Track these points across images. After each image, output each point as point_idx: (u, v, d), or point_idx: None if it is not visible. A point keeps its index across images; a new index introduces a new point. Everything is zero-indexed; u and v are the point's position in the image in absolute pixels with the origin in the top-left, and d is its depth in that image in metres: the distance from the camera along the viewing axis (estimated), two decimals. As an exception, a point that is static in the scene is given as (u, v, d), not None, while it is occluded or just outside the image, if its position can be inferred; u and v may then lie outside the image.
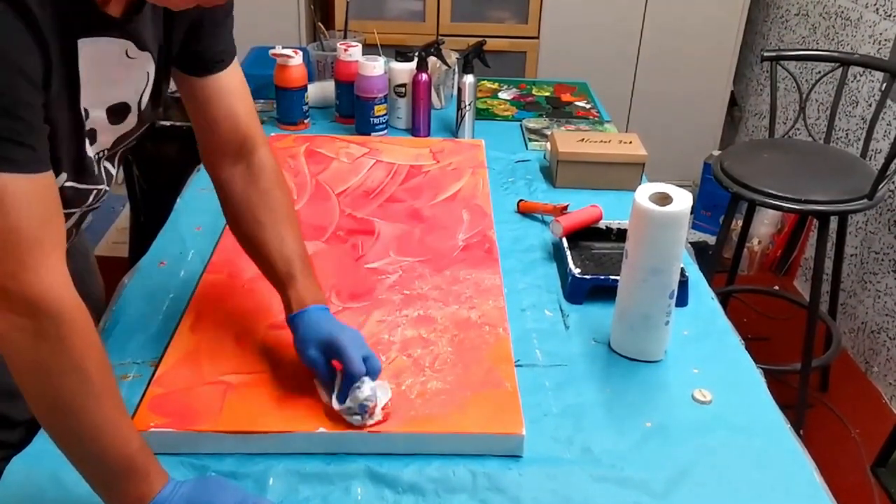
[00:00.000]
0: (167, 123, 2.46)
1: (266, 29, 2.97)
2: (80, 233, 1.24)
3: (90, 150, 0.95)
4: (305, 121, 1.89)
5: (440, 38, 2.01)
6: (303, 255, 1.07)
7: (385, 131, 1.87)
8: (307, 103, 1.88)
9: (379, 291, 1.24)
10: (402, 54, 1.86)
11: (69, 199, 0.94)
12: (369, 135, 1.84)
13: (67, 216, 0.98)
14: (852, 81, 2.51)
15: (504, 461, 0.97)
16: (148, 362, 1.10)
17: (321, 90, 1.99)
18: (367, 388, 0.95)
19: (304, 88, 1.85)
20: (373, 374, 0.97)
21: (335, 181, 1.59)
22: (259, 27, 2.96)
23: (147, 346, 1.13)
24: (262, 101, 2.03)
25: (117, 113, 0.97)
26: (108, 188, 1.03)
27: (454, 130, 1.88)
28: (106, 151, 1.01)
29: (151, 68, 0.99)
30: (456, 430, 0.97)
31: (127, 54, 0.93)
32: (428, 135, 1.87)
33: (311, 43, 2.29)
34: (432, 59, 1.89)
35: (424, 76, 1.82)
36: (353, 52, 1.85)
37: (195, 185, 1.60)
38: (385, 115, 1.85)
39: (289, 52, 1.80)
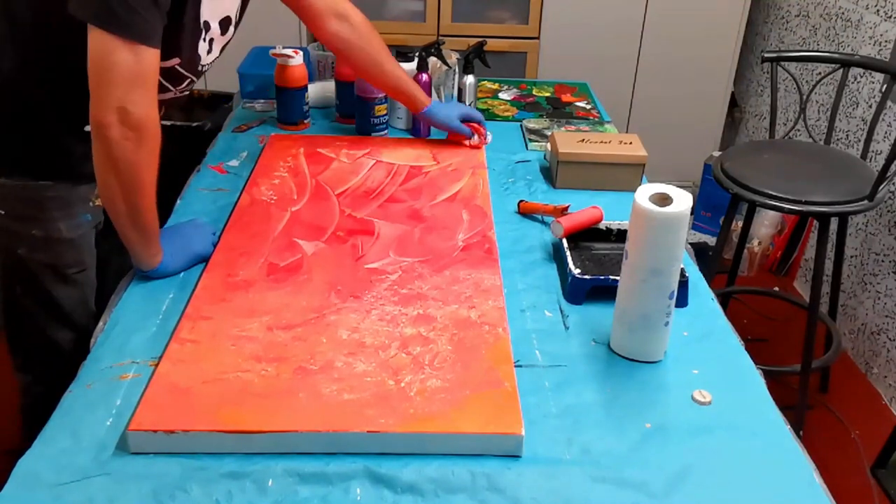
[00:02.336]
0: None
1: (266, 29, 2.97)
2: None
3: (204, 55, 1.30)
4: (306, 121, 1.89)
5: (440, 38, 2.01)
6: (408, 76, 1.70)
7: (385, 131, 1.87)
8: (308, 103, 1.88)
9: (379, 291, 1.24)
10: (402, 54, 1.86)
11: (172, 77, 1.27)
12: (370, 135, 1.84)
13: (166, 90, 1.29)
14: (853, 83, 2.51)
15: (503, 461, 0.97)
16: (148, 362, 1.10)
17: (322, 90, 1.99)
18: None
19: (305, 88, 1.85)
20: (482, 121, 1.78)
21: (335, 181, 1.59)
22: (259, 27, 2.95)
23: (147, 346, 1.13)
24: (262, 100, 2.03)
25: (224, 25, 1.32)
26: (196, 81, 1.36)
27: (454, 131, 1.88)
28: (216, 58, 1.36)
29: None
30: (455, 430, 0.97)
31: None
32: (428, 135, 1.87)
33: (311, 43, 2.29)
34: (433, 60, 1.89)
35: (425, 76, 1.82)
36: (353, 52, 1.85)
37: (195, 185, 1.60)
38: (385, 115, 1.85)
39: (289, 51, 1.80)
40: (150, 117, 1.13)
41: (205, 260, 1.31)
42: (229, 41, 1.37)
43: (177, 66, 1.26)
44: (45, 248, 1.29)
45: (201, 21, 1.25)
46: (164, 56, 1.16)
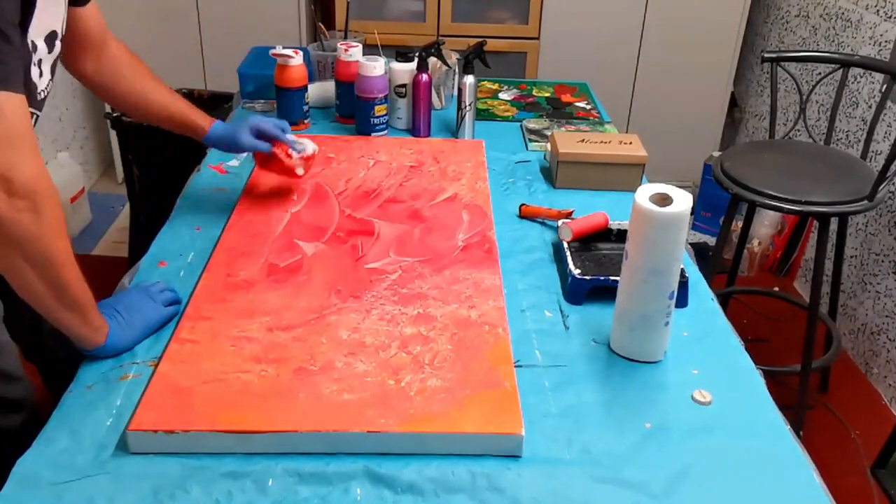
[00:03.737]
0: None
1: (266, 29, 2.98)
2: None
3: (38, 80, 1.09)
4: (306, 121, 1.89)
5: (440, 38, 2.01)
6: (186, 103, 1.43)
7: (385, 132, 1.87)
8: (307, 103, 1.88)
9: (379, 291, 1.24)
10: (402, 55, 1.86)
11: None
12: (369, 135, 1.84)
13: None
14: (852, 83, 2.51)
15: (503, 461, 0.97)
16: (148, 362, 1.10)
17: (321, 90, 1.99)
18: (305, 141, 1.48)
19: (305, 88, 1.85)
20: (286, 131, 1.46)
21: (335, 181, 1.59)
22: (259, 27, 2.97)
23: (147, 346, 1.13)
24: (262, 101, 2.03)
25: (50, 40, 1.10)
26: (39, 113, 1.15)
27: (454, 131, 1.88)
28: (50, 82, 1.14)
29: None
30: (455, 430, 0.97)
31: None
32: (428, 135, 1.87)
33: (311, 43, 2.29)
34: (433, 60, 1.89)
35: (425, 76, 1.82)
36: (353, 52, 1.85)
37: (195, 185, 1.60)
38: (385, 115, 1.85)
39: (289, 52, 1.80)
40: (38, 177, 0.93)
41: (160, 327, 1.16)
42: (57, 58, 1.16)
43: None
44: None
45: (28, 42, 1.03)
46: None
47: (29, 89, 1.05)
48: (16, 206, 0.91)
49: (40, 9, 1.02)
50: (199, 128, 1.42)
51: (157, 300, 1.17)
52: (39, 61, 1.09)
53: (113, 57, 1.35)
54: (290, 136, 1.45)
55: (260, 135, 1.43)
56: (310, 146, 1.46)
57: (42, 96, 1.13)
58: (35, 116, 1.10)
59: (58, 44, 1.13)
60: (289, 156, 1.43)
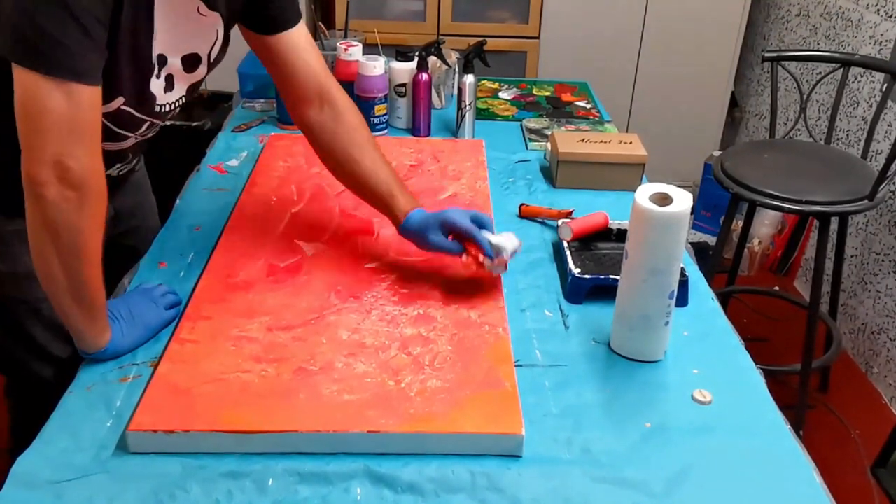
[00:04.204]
0: (167, 123, 2.46)
1: (266, 29, 2.98)
2: (141, 168, 1.48)
3: (161, 93, 1.13)
4: (306, 121, 1.88)
5: (440, 37, 2.01)
6: (394, 175, 1.28)
7: (385, 131, 1.87)
8: (307, 103, 1.88)
9: (379, 291, 1.24)
10: (402, 54, 1.86)
11: (124, 122, 1.12)
12: (369, 135, 1.83)
13: (123, 138, 1.17)
14: (853, 82, 2.51)
15: (503, 461, 0.96)
16: (148, 362, 1.10)
17: (321, 90, 1.99)
18: (503, 240, 1.21)
19: (305, 88, 1.85)
20: (485, 225, 1.22)
21: (335, 181, 1.59)
22: (259, 27, 2.96)
23: (147, 346, 1.13)
24: (262, 100, 2.03)
25: (191, 63, 1.15)
26: (161, 124, 1.21)
27: (454, 130, 1.88)
28: (183, 99, 1.20)
29: (221, 27, 1.17)
30: (455, 430, 0.97)
31: (198, 11, 1.11)
32: (428, 135, 1.87)
33: (311, 43, 2.29)
34: (433, 59, 1.89)
35: (425, 76, 1.82)
36: (353, 51, 1.85)
37: (195, 185, 1.60)
38: (385, 114, 1.85)
39: (289, 51, 1.80)
40: (93, 171, 0.96)
41: (160, 330, 1.16)
42: (201, 81, 1.22)
43: (124, 107, 1.10)
44: (13, 283, 1.18)
45: (154, 55, 1.08)
46: (104, 97, 1.00)
47: (144, 99, 1.11)
48: (64, 194, 0.93)
49: (169, 26, 1.06)
50: (395, 216, 1.26)
51: (158, 304, 1.16)
52: (170, 76, 1.13)
53: (338, 110, 1.27)
54: (487, 235, 1.22)
55: (452, 231, 1.22)
56: (509, 245, 1.21)
57: (164, 109, 1.16)
58: (148, 123, 1.16)
59: (202, 68, 1.19)
60: (479, 262, 1.21)
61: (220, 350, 1.09)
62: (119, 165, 1.28)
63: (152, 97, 1.12)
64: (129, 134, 1.17)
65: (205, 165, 1.69)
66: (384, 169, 1.27)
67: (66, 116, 0.92)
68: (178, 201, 1.54)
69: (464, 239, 1.22)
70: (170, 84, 1.14)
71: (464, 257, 1.21)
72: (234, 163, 1.70)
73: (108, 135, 1.09)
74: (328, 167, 1.32)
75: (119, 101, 1.08)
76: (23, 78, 0.91)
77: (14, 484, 0.91)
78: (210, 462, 0.94)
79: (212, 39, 1.16)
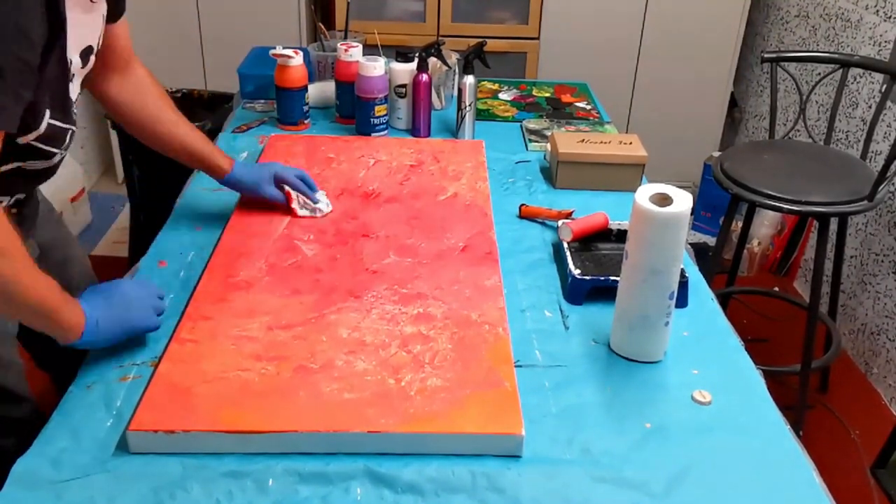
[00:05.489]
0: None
1: (266, 29, 2.98)
2: (45, 202, 1.36)
3: (73, 93, 1.08)
4: (306, 121, 1.89)
5: (441, 38, 2.01)
6: (205, 139, 1.39)
7: (385, 132, 1.87)
8: (307, 103, 1.88)
9: (379, 291, 1.24)
10: (402, 55, 1.86)
11: (52, 137, 1.06)
12: (370, 135, 1.84)
13: (51, 155, 1.10)
14: (852, 83, 2.51)
15: (503, 461, 0.97)
16: (148, 362, 1.10)
17: (321, 90, 1.99)
18: (320, 197, 1.48)
19: (305, 89, 1.85)
20: (308, 182, 1.46)
21: (335, 182, 1.59)
22: (259, 27, 2.97)
23: (147, 346, 1.13)
24: (262, 101, 2.03)
25: (85, 56, 1.10)
26: (75, 129, 1.14)
27: (454, 131, 1.88)
28: (78, 95, 1.13)
29: (104, 10, 1.14)
30: (455, 430, 0.97)
31: (91, 0, 1.06)
32: (428, 135, 1.87)
33: (311, 43, 2.29)
34: (433, 60, 1.89)
35: (425, 77, 1.82)
36: (353, 52, 1.86)
37: (195, 185, 1.60)
38: (385, 115, 1.85)
39: (289, 52, 1.81)
40: None
41: (146, 332, 1.12)
42: (89, 73, 1.15)
43: (51, 121, 1.04)
44: None
45: (68, 60, 1.04)
46: (34, 126, 0.99)
47: (65, 106, 1.06)
48: None
49: (74, 24, 1.01)
50: (219, 167, 1.40)
51: (151, 306, 1.11)
52: (72, 76, 1.08)
53: (138, 79, 1.32)
54: (311, 192, 1.47)
55: (280, 184, 1.45)
56: (324, 206, 1.47)
57: (74, 110, 1.11)
58: (70, 132, 1.11)
59: (92, 59, 1.13)
60: (293, 208, 1.45)
61: (221, 349, 1.09)
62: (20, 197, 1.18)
63: (70, 102, 1.08)
64: (56, 150, 1.10)
65: (205, 166, 1.69)
66: (196, 131, 1.37)
67: None
68: (178, 201, 1.54)
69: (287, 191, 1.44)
70: (73, 81, 1.09)
71: (293, 205, 1.44)
72: (234, 163, 1.70)
73: (39, 154, 1.07)
74: (143, 135, 1.34)
75: (46, 116, 1.02)
76: None
77: (14, 484, 0.91)
78: (210, 462, 0.94)
79: (99, 28, 1.13)
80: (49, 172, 1.16)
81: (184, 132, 1.35)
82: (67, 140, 1.11)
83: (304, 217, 1.44)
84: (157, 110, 1.33)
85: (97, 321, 1.04)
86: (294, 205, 1.44)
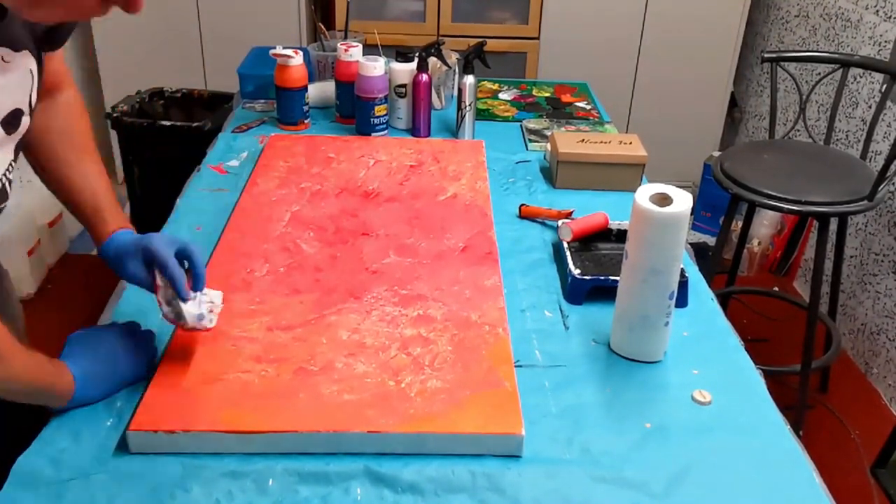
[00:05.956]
0: (167, 123, 2.46)
1: (266, 29, 2.98)
2: None
3: None
4: (306, 121, 1.89)
5: (441, 38, 2.01)
6: (109, 191, 1.10)
7: (385, 132, 1.87)
8: (307, 103, 1.88)
9: (379, 292, 1.24)
10: (402, 55, 1.86)
11: None
12: (370, 135, 1.84)
13: None
14: (852, 83, 2.51)
15: (503, 461, 0.97)
16: (148, 362, 1.10)
17: (321, 90, 1.99)
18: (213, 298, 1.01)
19: (305, 88, 1.85)
20: (191, 260, 1.02)
21: (335, 181, 1.59)
22: (259, 27, 2.97)
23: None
24: (262, 101, 2.03)
25: (12, 122, 0.94)
26: (5, 203, 0.99)
27: (454, 131, 1.88)
28: (12, 165, 0.98)
29: (34, 65, 0.96)
30: (455, 430, 0.97)
31: (2, 59, 0.89)
32: (428, 135, 1.87)
33: (311, 43, 2.29)
34: (433, 60, 1.89)
35: (425, 76, 1.82)
36: (353, 52, 1.85)
37: (195, 185, 1.60)
38: (385, 115, 1.85)
39: (289, 52, 1.81)
40: None
41: (138, 382, 1.04)
42: (27, 132, 0.98)
43: None
44: None
45: None
46: None
47: None
48: None
49: None
50: (98, 234, 1.07)
51: (140, 356, 1.05)
52: None
53: (56, 103, 1.09)
54: (182, 280, 1.01)
55: (150, 260, 1.03)
56: (199, 315, 1.02)
57: (7, 176, 0.95)
58: None
59: (25, 120, 0.95)
60: (159, 302, 1.01)
61: (220, 350, 1.09)
62: None
63: None
64: None
65: (205, 166, 1.69)
66: (96, 180, 1.09)
67: None
68: (178, 201, 1.54)
69: (154, 272, 1.02)
70: None
71: (158, 297, 1.00)
72: (234, 163, 1.70)
73: None
74: (31, 164, 1.10)
75: None
76: None
77: (14, 484, 0.91)
78: (210, 462, 0.94)
79: (28, 84, 0.94)
80: None
81: (81, 178, 1.08)
82: None
83: (168, 319, 1.02)
84: (57, 146, 1.08)
85: (86, 381, 0.99)
86: (158, 297, 1.01)
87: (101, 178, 1.10)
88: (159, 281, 0.99)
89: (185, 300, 0.99)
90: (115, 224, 1.07)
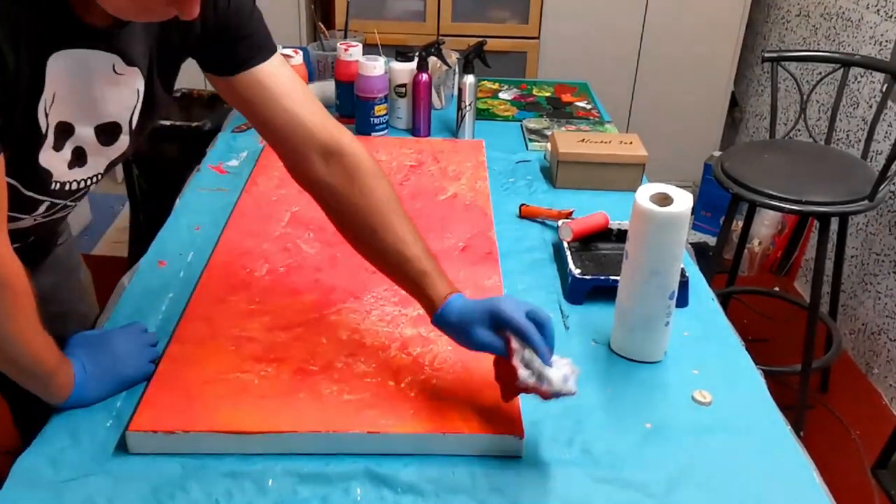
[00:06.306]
0: (167, 123, 2.46)
1: (266, 29, 2.98)
2: (66, 242, 1.28)
3: (62, 168, 0.93)
4: (306, 121, 1.88)
5: (441, 38, 2.01)
6: (425, 250, 1.03)
7: (385, 131, 1.87)
8: (307, 103, 1.88)
9: (379, 292, 1.24)
10: (402, 54, 1.86)
11: (17, 200, 0.93)
12: (369, 135, 1.84)
13: (15, 219, 0.96)
14: (853, 82, 2.51)
15: (504, 462, 0.96)
16: (147, 362, 1.09)
17: (321, 90, 1.99)
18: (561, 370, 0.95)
19: (305, 88, 1.85)
20: (543, 325, 0.95)
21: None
22: (259, 27, 2.96)
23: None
24: (262, 100, 2.03)
25: (107, 133, 0.95)
26: (69, 204, 1.01)
27: (454, 131, 1.88)
28: (98, 177, 1.01)
29: (141, 85, 0.96)
30: (455, 431, 0.97)
31: (114, 69, 0.91)
32: (428, 135, 1.87)
33: (311, 43, 2.29)
34: (433, 60, 1.89)
35: (425, 76, 1.82)
36: (353, 51, 1.85)
37: (195, 185, 1.60)
38: (385, 115, 1.85)
39: (289, 51, 1.81)
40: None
41: (139, 382, 1.04)
42: (124, 153, 1.01)
43: (14, 184, 0.91)
44: None
45: (44, 123, 0.88)
46: None
47: (38, 175, 0.92)
48: None
49: (71, 91, 0.88)
50: (430, 301, 1.01)
51: (142, 357, 1.05)
52: (80, 150, 0.94)
53: (351, 159, 1.04)
54: (546, 346, 0.95)
55: (502, 328, 0.95)
56: (560, 380, 0.95)
57: (71, 188, 0.98)
58: (48, 204, 0.98)
59: (123, 138, 0.98)
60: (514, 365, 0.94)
61: (220, 350, 1.09)
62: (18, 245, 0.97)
63: (46, 173, 0.93)
64: (23, 216, 0.98)
65: (205, 165, 1.69)
66: (415, 242, 1.02)
67: None
68: (178, 201, 1.54)
69: (508, 337, 0.95)
70: (79, 159, 0.95)
71: (515, 361, 0.94)
72: (234, 163, 1.70)
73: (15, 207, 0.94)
74: (345, 237, 1.08)
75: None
76: None
77: (14, 484, 0.91)
78: (210, 462, 0.94)
79: (132, 102, 0.96)
80: (21, 235, 1.01)
81: (401, 251, 1.02)
82: (41, 209, 0.99)
83: (529, 384, 0.94)
84: (369, 215, 1.03)
85: (86, 381, 0.99)
86: (515, 361, 0.94)
87: (418, 237, 1.04)
88: (515, 345, 0.95)
89: (549, 365, 0.95)
90: (445, 289, 1.00)
